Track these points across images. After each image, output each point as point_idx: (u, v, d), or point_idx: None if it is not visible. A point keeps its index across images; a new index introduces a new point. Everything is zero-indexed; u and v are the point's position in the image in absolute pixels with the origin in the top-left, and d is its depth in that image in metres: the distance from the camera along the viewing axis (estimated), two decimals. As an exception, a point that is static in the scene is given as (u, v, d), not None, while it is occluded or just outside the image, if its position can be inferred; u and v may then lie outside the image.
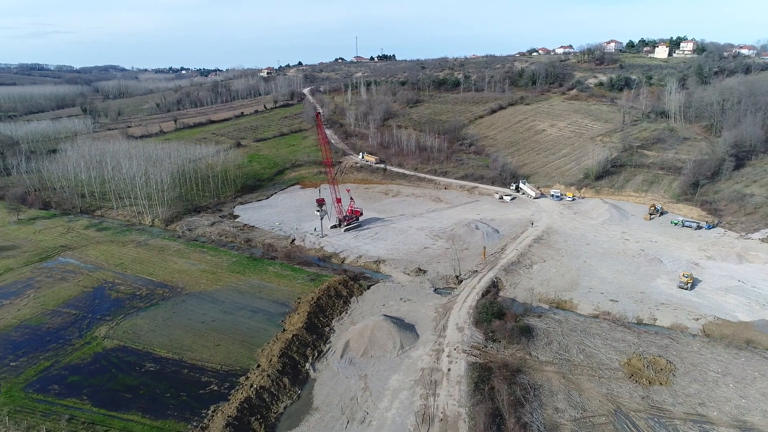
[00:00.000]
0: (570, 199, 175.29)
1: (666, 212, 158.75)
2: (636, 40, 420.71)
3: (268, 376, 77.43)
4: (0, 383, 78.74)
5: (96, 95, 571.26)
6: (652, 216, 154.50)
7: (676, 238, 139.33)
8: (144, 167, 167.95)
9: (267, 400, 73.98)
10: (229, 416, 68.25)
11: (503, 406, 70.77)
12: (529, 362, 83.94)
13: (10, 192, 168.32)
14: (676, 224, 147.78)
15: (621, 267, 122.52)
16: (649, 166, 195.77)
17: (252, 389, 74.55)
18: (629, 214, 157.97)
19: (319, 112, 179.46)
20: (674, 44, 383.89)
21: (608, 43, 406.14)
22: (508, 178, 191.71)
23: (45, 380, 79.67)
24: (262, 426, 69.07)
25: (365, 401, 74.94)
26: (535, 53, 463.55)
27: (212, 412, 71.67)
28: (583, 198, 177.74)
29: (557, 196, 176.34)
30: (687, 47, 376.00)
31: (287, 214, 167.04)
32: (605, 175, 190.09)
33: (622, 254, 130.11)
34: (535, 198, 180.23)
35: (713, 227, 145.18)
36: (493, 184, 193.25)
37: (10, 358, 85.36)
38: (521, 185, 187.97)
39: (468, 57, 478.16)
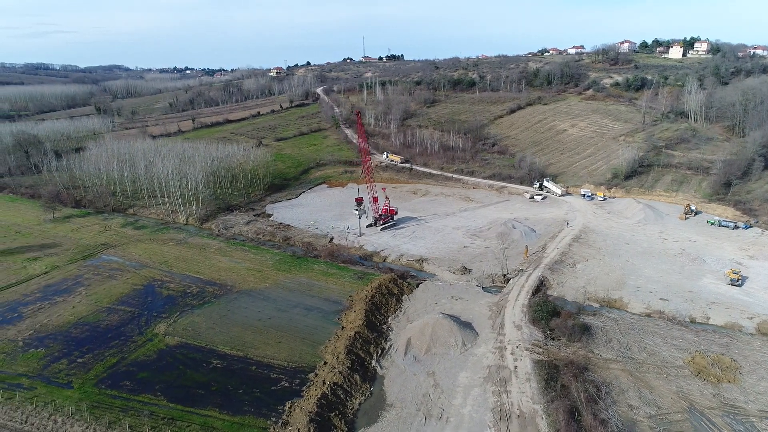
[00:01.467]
0: (601, 198, 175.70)
1: (700, 212, 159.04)
2: (646, 41, 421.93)
3: (340, 372, 77.79)
4: (71, 379, 79.07)
5: (105, 95, 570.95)
6: (687, 216, 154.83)
7: (715, 237, 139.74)
8: (178, 165, 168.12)
9: (341, 396, 74.37)
10: (309, 412, 68.59)
11: (580, 403, 71.08)
12: (593, 360, 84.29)
13: (47, 190, 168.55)
14: (712, 224, 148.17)
15: (665, 266, 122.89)
16: (676, 166, 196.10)
17: (326, 386, 74.88)
18: (664, 214, 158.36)
19: (359, 111, 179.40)
20: (688, 44, 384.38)
21: (622, 43, 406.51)
22: (537, 177, 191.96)
23: (115, 376, 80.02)
24: (342, 422, 69.42)
25: (438, 398, 75.34)
26: (546, 53, 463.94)
27: (288, 408, 71.99)
28: (614, 198, 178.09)
29: (588, 196, 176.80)
30: (701, 47, 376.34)
31: (320, 213, 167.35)
32: (633, 175, 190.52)
33: (663, 254, 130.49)
34: (560, 195, 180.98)
35: (750, 227, 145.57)
36: (521, 183, 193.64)
37: (75, 355, 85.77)
38: (545, 183, 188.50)
39: (479, 57, 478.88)
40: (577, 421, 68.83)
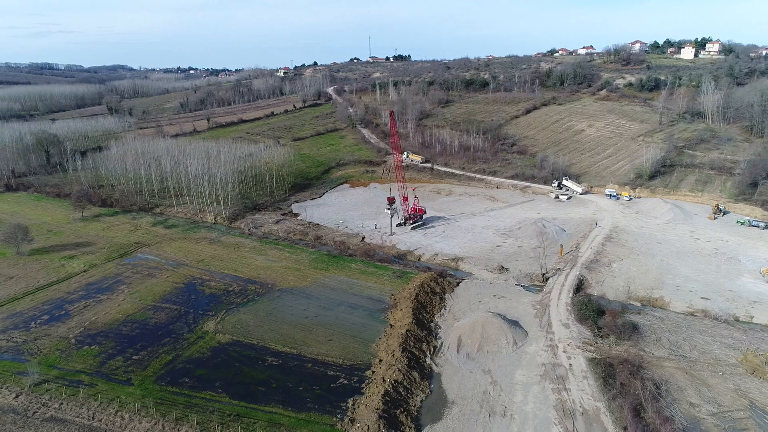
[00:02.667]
0: (627, 198, 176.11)
1: (728, 212, 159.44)
2: (657, 41, 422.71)
3: (399, 370, 78.12)
4: (130, 376, 79.42)
5: (113, 95, 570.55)
6: (715, 216, 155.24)
7: (747, 237, 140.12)
8: (207, 165, 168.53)
9: (403, 394, 74.72)
10: (376, 409, 68.91)
11: (645, 400, 71.41)
12: (646, 358, 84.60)
13: (75, 189, 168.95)
14: (742, 224, 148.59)
15: (701, 266, 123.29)
16: (699, 166, 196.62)
17: (387, 383, 75.23)
18: (692, 214, 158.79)
19: (392, 111, 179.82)
20: (700, 45, 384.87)
21: (633, 43, 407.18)
22: (560, 177, 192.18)
23: (173, 373, 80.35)
24: (408, 419, 69.76)
25: (498, 395, 75.71)
26: (556, 54, 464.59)
27: (352, 404, 72.37)
28: (639, 198, 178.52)
29: (614, 196, 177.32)
30: (713, 48, 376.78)
31: (347, 212, 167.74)
32: (657, 175, 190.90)
33: (697, 253, 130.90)
34: (580, 194, 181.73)
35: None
36: (545, 183, 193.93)
37: (130, 352, 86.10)
38: (564, 182, 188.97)
39: (488, 57, 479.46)
40: (641, 418, 69.14)
